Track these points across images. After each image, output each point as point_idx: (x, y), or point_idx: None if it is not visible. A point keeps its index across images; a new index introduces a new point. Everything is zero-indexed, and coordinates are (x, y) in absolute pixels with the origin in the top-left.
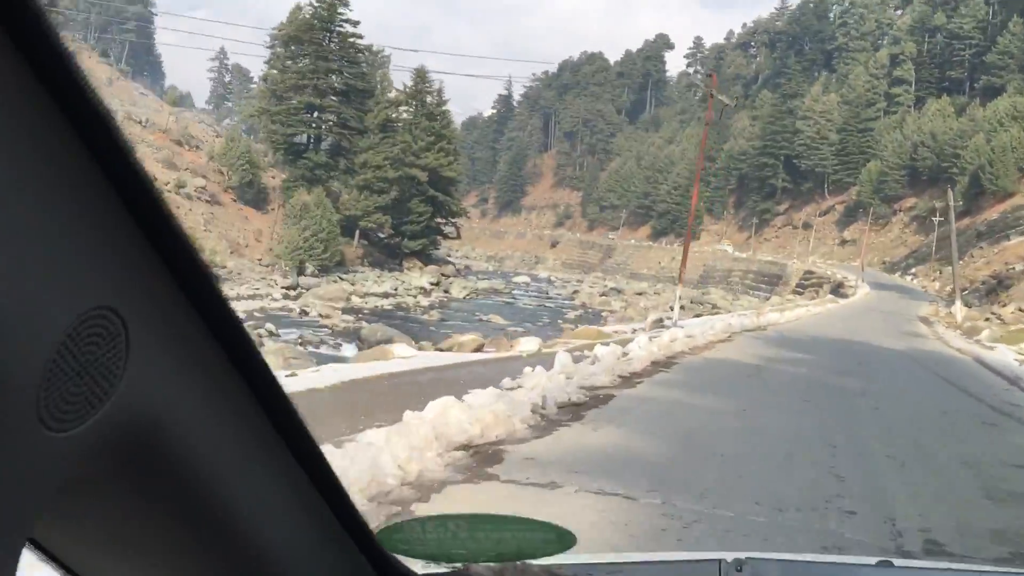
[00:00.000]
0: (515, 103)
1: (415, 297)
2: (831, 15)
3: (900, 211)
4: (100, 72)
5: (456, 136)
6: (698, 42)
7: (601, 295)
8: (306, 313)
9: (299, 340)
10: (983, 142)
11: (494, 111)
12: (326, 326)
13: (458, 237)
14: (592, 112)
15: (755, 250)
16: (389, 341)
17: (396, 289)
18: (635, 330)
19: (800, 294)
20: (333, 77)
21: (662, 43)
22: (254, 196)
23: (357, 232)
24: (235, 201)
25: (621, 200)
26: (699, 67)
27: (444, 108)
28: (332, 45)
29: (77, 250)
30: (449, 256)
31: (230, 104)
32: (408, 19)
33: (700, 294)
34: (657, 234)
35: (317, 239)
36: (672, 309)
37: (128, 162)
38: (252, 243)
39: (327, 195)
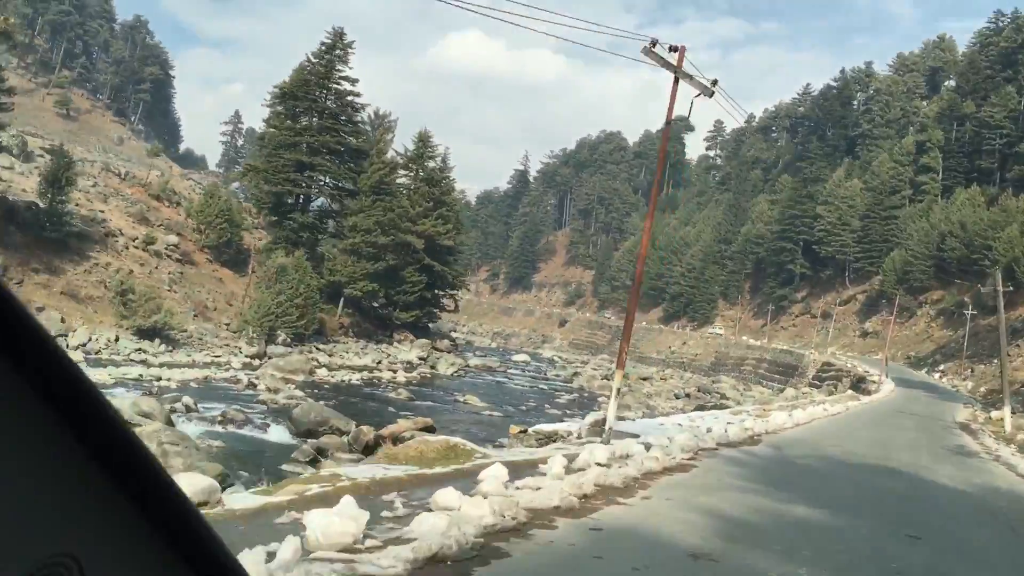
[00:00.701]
0: (531, 179)
1: (394, 372)
2: (855, 102)
3: (926, 304)
4: (113, 130)
5: (456, 203)
6: (718, 125)
7: (604, 378)
8: (254, 386)
9: (219, 418)
10: (1017, 233)
11: (510, 186)
12: (265, 402)
13: (456, 310)
14: (608, 190)
15: (770, 338)
16: (324, 423)
17: (379, 362)
18: (561, 438)
19: (817, 387)
20: (327, 135)
21: (682, 125)
22: (232, 256)
23: (342, 300)
24: (210, 261)
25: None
26: (719, 150)
27: (447, 175)
28: (328, 103)
29: (39, 497)
30: (455, 330)
31: (239, 167)
32: (440, 101)
33: (710, 382)
34: (669, 317)
35: (292, 304)
36: (677, 397)
37: (95, 404)
38: (222, 306)
39: (312, 258)
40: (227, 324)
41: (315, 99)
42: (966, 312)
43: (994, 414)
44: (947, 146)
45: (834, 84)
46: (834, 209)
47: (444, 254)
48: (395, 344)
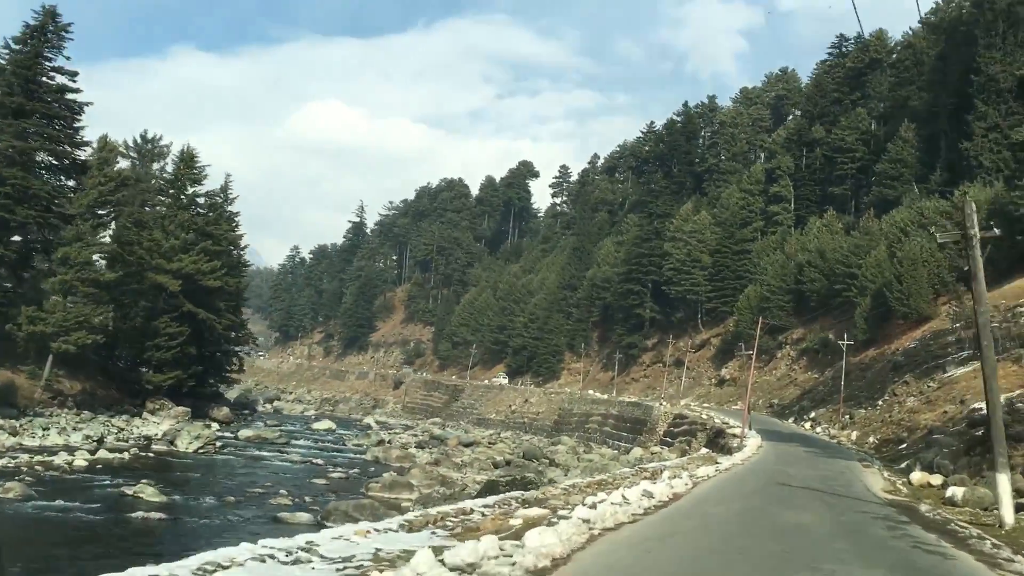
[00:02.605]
0: (368, 231)
1: (93, 454)
2: (701, 138)
3: (786, 344)
4: None
5: (234, 238)
6: (564, 171)
7: (417, 446)
8: None
9: None
10: (885, 255)
11: (345, 239)
12: None
13: (241, 370)
14: (448, 240)
15: (619, 390)
16: None
17: (103, 437)
18: None
19: (668, 445)
20: (31, 141)
21: (525, 170)
22: None
23: (51, 357)
24: None
25: (475, 335)
26: (565, 196)
27: (226, 207)
28: (35, 104)
29: None
30: (279, 398)
31: None
32: (300, 170)
33: (549, 444)
34: (512, 373)
35: None
36: (496, 466)
37: None
38: None
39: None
40: None
41: (11, 93)
42: (841, 343)
43: (916, 477)
44: (798, 173)
45: (678, 118)
46: (683, 245)
47: (213, 299)
48: (145, 415)
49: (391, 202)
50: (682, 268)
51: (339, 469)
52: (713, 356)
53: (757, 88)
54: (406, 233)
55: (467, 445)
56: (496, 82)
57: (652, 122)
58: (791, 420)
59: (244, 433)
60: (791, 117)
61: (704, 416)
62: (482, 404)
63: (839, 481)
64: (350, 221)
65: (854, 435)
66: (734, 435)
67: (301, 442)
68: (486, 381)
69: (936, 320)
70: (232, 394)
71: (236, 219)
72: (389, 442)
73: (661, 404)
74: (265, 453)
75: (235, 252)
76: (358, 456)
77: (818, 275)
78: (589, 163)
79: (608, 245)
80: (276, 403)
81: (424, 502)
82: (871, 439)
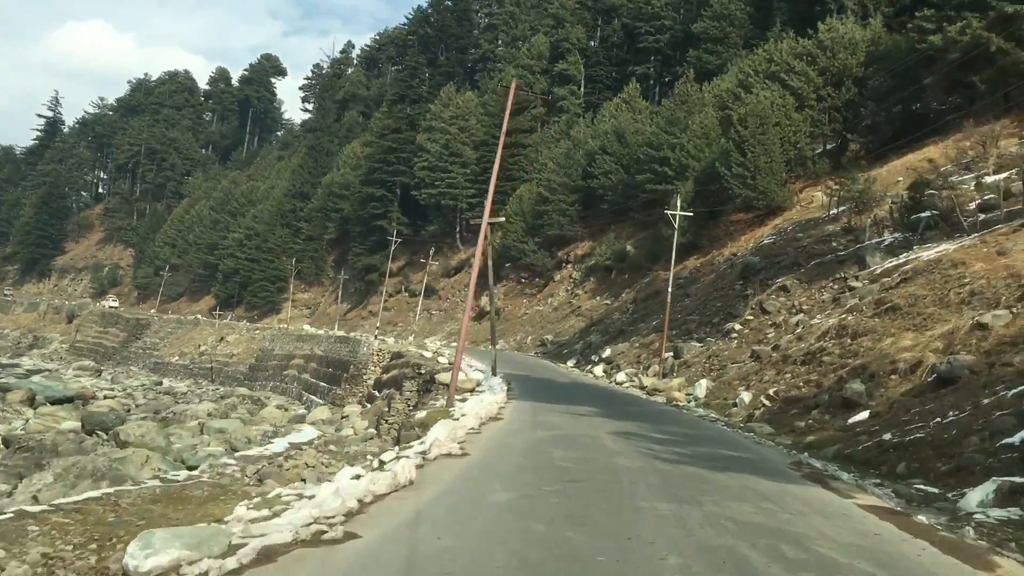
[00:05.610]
0: (66, 130)
1: None
2: (475, 20)
3: (568, 262)
4: None
5: None
6: (318, 71)
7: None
8: None
9: None
10: (715, 121)
11: (37, 141)
12: None
13: None
14: (162, 141)
15: (351, 327)
16: None
17: None
18: None
19: (375, 399)
20: None
21: (269, 66)
22: None
23: None
24: None
25: (182, 258)
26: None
27: None
28: None
29: None
30: None
31: None
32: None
33: (226, 397)
34: (224, 305)
35: None
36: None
37: None
38: None
39: None
40: None
41: None
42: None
43: None
44: (591, 51)
45: None
46: (440, 136)
47: None
48: None
49: (101, 98)
50: (438, 165)
51: None
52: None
53: None
54: (112, 133)
55: (54, 403)
56: (284, 17)
57: (420, 4)
58: (571, 362)
59: None
60: None
61: (428, 354)
62: (169, 342)
63: None
64: (41, 116)
65: (703, 387)
66: (467, 389)
67: None
68: (179, 317)
69: (793, 211)
70: None
71: None
72: None
73: (376, 339)
74: None
75: None
76: None
77: (615, 166)
78: (342, 52)
79: (355, 146)
80: None
81: None
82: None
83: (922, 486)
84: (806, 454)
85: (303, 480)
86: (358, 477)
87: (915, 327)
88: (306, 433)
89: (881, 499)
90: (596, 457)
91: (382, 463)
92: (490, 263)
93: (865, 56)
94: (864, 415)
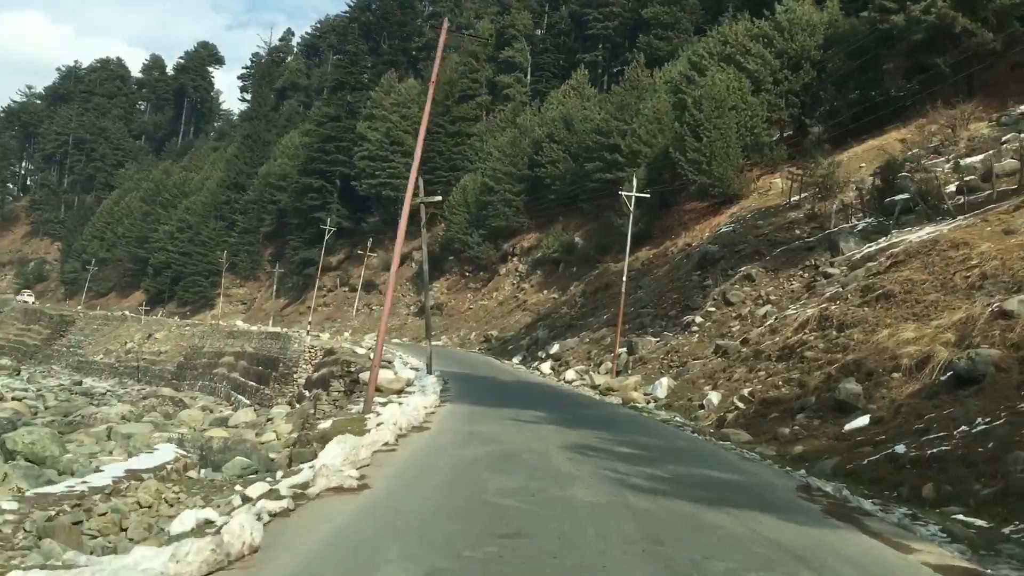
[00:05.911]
0: None
1: None
2: (420, 5)
3: (513, 255)
4: None
5: None
6: (256, 59)
7: None
8: None
9: None
10: (668, 105)
11: None
12: None
13: None
14: (92, 130)
15: (288, 324)
16: None
17: None
18: None
19: (302, 400)
20: None
21: (207, 54)
22: None
23: None
24: None
25: (110, 252)
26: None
27: None
28: None
29: None
30: None
31: None
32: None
33: (147, 398)
34: (154, 301)
35: None
36: None
37: None
38: None
39: None
40: None
41: None
42: (623, 216)
43: None
44: (537, 39)
45: None
46: (382, 124)
47: None
48: None
49: (29, 87)
50: (379, 154)
51: None
52: (415, 275)
53: None
54: (39, 122)
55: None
56: (227, 11)
57: None
58: (517, 359)
59: None
60: None
61: (359, 352)
62: (94, 340)
63: None
64: None
65: (663, 386)
66: (395, 390)
67: None
68: (106, 313)
69: (751, 199)
70: None
71: None
72: None
73: (309, 335)
74: None
75: None
76: None
77: (563, 154)
78: (281, 39)
79: (294, 136)
80: None
81: None
82: (745, 392)
83: (963, 517)
84: (804, 471)
85: (104, 539)
86: (168, 542)
87: (916, 316)
88: (160, 454)
89: (942, 548)
90: (546, 487)
91: (232, 509)
92: (424, 246)
93: (823, 39)
94: (864, 421)
